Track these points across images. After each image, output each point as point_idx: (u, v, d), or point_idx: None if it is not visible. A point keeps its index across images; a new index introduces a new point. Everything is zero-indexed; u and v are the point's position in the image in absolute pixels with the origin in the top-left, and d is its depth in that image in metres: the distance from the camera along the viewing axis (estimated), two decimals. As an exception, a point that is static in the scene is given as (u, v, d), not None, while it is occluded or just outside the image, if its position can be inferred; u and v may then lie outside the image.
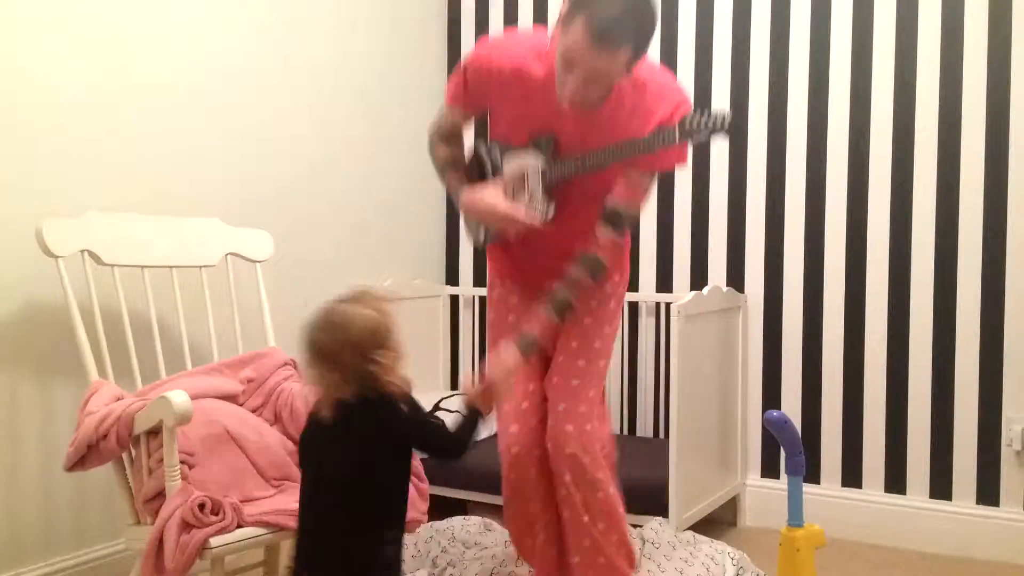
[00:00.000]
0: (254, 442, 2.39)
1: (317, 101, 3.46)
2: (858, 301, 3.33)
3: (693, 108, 2.15)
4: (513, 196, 2.26)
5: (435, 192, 4.03)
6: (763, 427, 3.35)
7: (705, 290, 3.26)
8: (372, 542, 1.86)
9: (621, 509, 2.39)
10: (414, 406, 1.94)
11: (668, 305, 3.29)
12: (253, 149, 3.21)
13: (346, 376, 1.83)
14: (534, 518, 2.45)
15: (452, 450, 2.00)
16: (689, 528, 3.01)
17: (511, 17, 3.90)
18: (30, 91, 2.57)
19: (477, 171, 2.41)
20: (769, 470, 3.49)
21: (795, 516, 2.50)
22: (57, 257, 2.35)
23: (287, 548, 2.77)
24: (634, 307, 3.68)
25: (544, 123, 2.21)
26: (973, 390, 3.17)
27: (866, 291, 3.32)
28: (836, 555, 3.05)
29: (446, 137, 2.40)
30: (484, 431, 3.53)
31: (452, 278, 4.07)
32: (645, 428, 3.67)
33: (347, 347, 1.83)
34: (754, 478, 3.52)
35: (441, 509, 3.12)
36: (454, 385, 4.01)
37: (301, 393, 2.56)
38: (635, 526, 2.75)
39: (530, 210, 2.23)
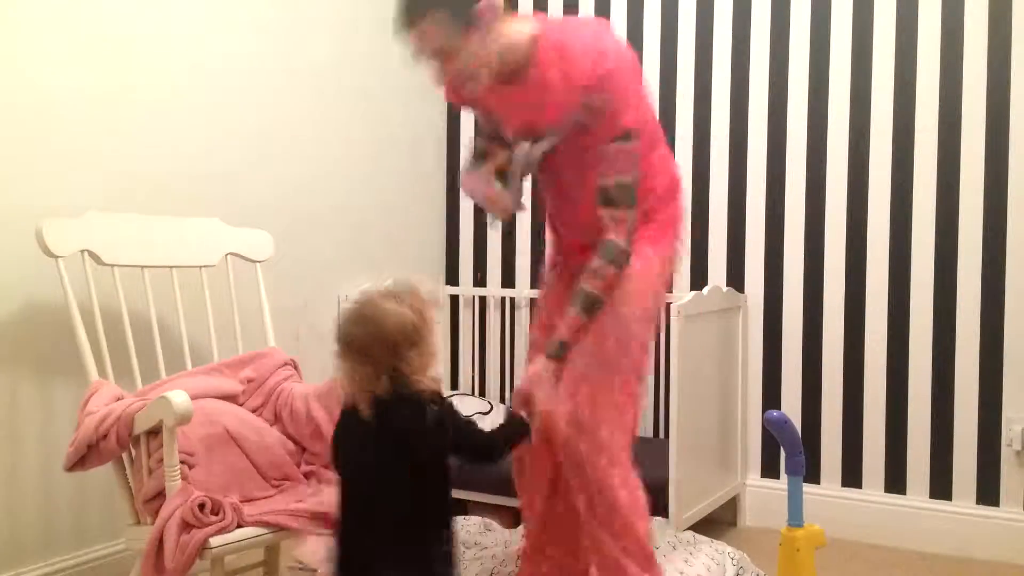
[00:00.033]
0: (254, 442, 2.39)
1: (317, 101, 3.46)
2: (858, 301, 3.33)
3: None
4: (503, 181, 2.29)
5: (435, 192, 4.03)
6: (763, 427, 3.35)
7: (705, 290, 3.26)
8: (418, 541, 1.83)
9: (632, 507, 2.29)
10: (449, 408, 1.89)
11: (668, 305, 3.28)
12: (253, 149, 3.22)
13: (378, 372, 1.81)
14: (539, 487, 2.42)
15: (487, 454, 1.97)
16: (689, 528, 3.01)
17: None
18: (30, 91, 2.57)
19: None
20: (769, 470, 3.49)
21: (795, 516, 2.50)
22: (57, 257, 2.35)
23: (287, 548, 2.77)
24: (634, 307, 3.68)
25: (493, 112, 2.28)
26: (973, 390, 3.17)
27: (866, 291, 3.32)
28: (836, 555, 3.04)
29: (480, 132, 2.48)
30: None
31: (452, 278, 4.07)
32: (645, 428, 3.66)
33: (378, 342, 1.81)
34: (754, 478, 3.52)
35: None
36: (454, 385, 4.02)
37: (301, 393, 2.56)
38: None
39: (507, 195, 2.27)
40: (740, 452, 3.49)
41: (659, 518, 2.95)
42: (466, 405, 3.59)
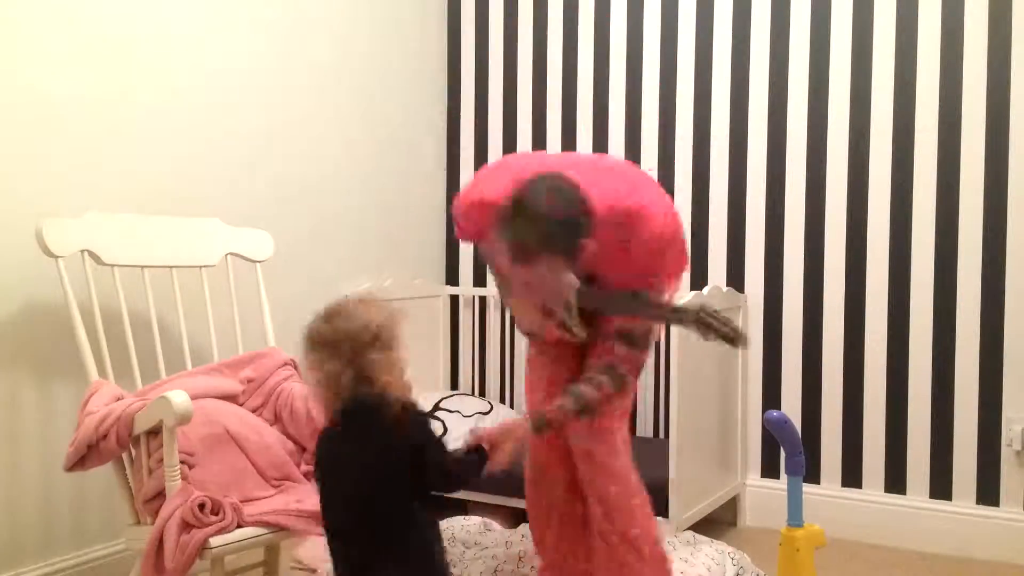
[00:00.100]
0: (254, 442, 2.39)
1: (317, 101, 3.47)
2: (858, 301, 3.33)
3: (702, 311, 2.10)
4: (548, 310, 2.26)
5: (435, 192, 4.03)
6: (763, 427, 3.35)
7: (705, 290, 3.26)
8: (403, 540, 1.83)
9: (639, 509, 2.29)
10: (418, 414, 1.89)
11: (668, 305, 3.28)
12: (253, 149, 3.22)
13: (343, 369, 1.81)
14: (553, 506, 2.42)
15: (450, 484, 1.94)
16: (689, 528, 3.01)
17: (511, 18, 3.90)
18: (30, 92, 2.57)
19: None
20: (769, 470, 3.49)
21: (795, 516, 2.50)
22: (57, 257, 2.35)
23: (287, 548, 2.77)
24: (634, 307, 3.68)
25: None
26: (973, 390, 3.17)
27: (866, 291, 3.32)
28: (836, 555, 3.04)
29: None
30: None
31: (452, 278, 4.07)
32: (645, 428, 3.67)
33: (346, 338, 1.82)
34: (754, 478, 3.52)
35: (441, 509, 3.12)
36: (454, 385, 4.02)
37: (301, 393, 2.56)
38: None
39: (565, 327, 2.23)
40: (740, 452, 3.49)
41: (659, 518, 2.95)
42: (466, 405, 3.60)
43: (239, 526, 2.13)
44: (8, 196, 2.52)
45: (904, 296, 3.26)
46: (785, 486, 2.56)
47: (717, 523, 3.39)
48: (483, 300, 3.97)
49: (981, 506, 3.17)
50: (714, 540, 2.88)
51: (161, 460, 2.14)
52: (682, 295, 2.30)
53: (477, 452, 2.00)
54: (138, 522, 2.26)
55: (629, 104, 3.68)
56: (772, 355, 3.47)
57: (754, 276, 3.49)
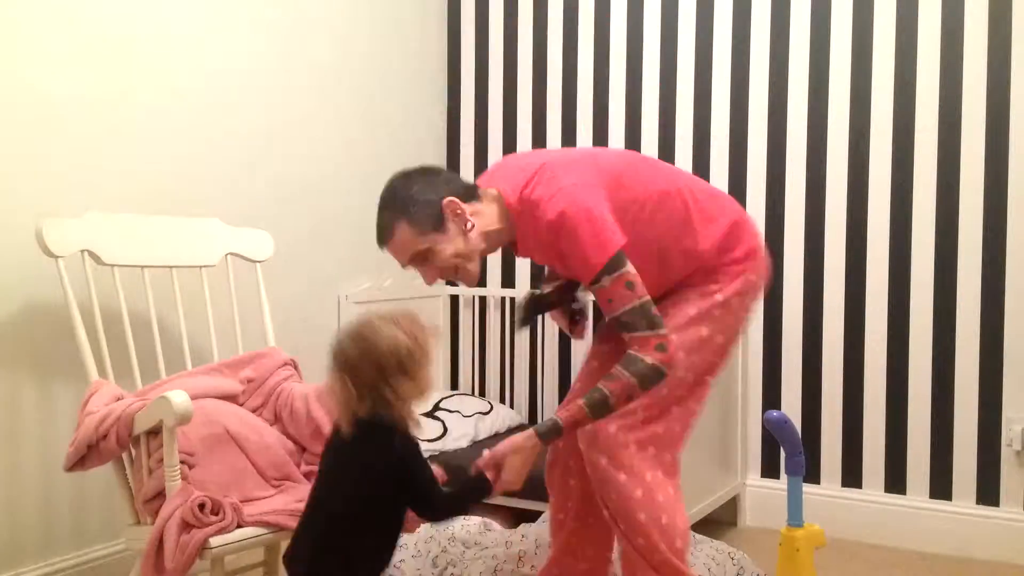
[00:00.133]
0: (254, 442, 2.39)
1: (317, 101, 3.47)
2: (858, 301, 3.33)
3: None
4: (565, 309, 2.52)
5: (435, 192, 4.03)
6: (763, 427, 3.35)
7: (705, 290, 3.26)
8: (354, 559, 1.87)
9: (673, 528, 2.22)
10: (413, 447, 1.88)
11: (668, 305, 3.28)
12: (253, 149, 3.22)
13: (361, 393, 1.82)
14: (568, 495, 2.42)
15: (439, 508, 1.94)
16: (689, 528, 3.01)
17: (511, 18, 3.90)
18: (31, 92, 2.57)
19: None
20: (769, 470, 3.49)
21: (795, 516, 2.50)
22: (57, 257, 2.35)
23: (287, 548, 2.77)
24: (634, 307, 3.68)
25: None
26: (973, 390, 3.17)
27: (866, 291, 3.32)
28: (836, 555, 3.05)
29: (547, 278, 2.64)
30: (485, 430, 3.54)
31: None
32: (645, 428, 3.66)
33: (367, 362, 1.82)
34: (754, 478, 3.52)
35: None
36: (454, 385, 4.02)
37: (301, 393, 2.56)
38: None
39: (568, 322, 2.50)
40: (740, 452, 3.49)
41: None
42: (466, 405, 3.60)
43: (239, 526, 2.13)
44: (8, 196, 2.52)
45: (904, 296, 3.26)
46: (785, 486, 2.57)
47: (717, 523, 3.39)
48: (483, 300, 3.97)
49: (981, 506, 3.17)
50: (714, 540, 2.88)
51: (161, 460, 2.14)
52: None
53: (477, 484, 2.02)
54: (138, 522, 2.26)
55: (629, 104, 3.68)
56: (772, 355, 3.47)
57: (754, 276, 3.49)
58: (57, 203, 2.58)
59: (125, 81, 2.80)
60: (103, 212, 2.53)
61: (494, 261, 3.97)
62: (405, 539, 1.99)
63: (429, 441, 3.34)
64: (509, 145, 3.93)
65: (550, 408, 3.79)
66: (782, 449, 2.56)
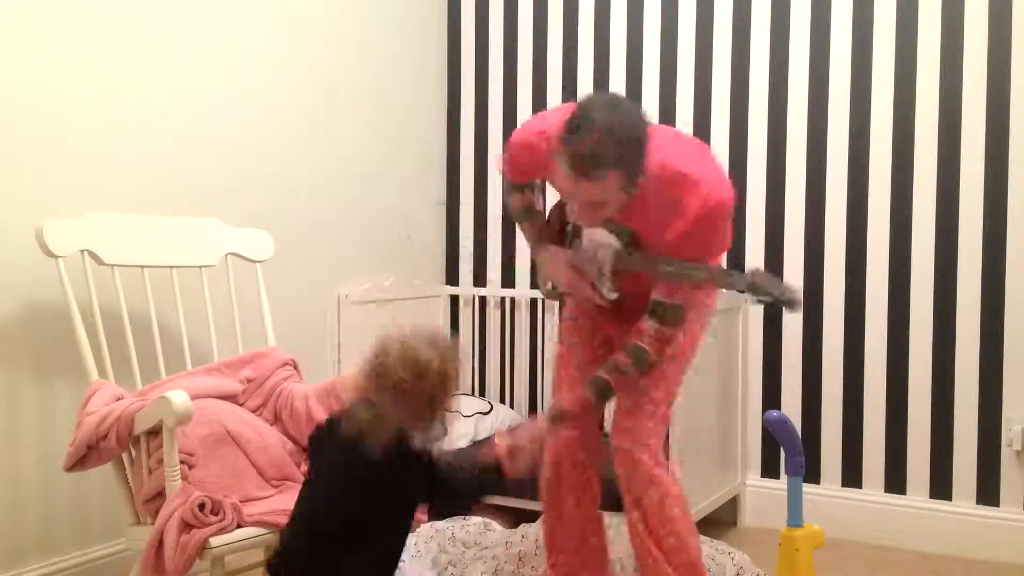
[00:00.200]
0: (254, 442, 2.39)
1: (317, 101, 3.46)
2: (858, 301, 3.33)
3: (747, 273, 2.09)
4: (585, 269, 2.28)
5: (435, 192, 4.03)
6: (763, 427, 3.35)
7: (705, 290, 3.26)
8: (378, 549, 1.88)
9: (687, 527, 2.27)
10: (431, 461, 1.95)
11: (668, 305, 3.28)
12: (253, 149, 3.21)
13: (412, 416, 1.85)
14: (567, 517, 2.43)
15: (456, 495, 2.02)
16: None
17: (511, 18, 3.90)
18: (30, 91, 2.57)
19: (558, 227, 2.41)
20: (769, 470, 3.49)
21: (795, 516, 2.50)
22: (57, 257, 2.35)
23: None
24: (634, 307, 3.68)
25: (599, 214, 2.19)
26: (973, 390, 3.17)
27: (866, 291, 3.32)
28: (836, 555, 3.04)
29: (518, 187, 2.42)
30: (485, 431, 3.54)
31: (452, 278, 4.07)
32: (645, 428, 3.66)
33: (417, 389, 1.85)
34: (754, 478, 3.52)
35: (441, 509, 3.12)
36: (454, 385, 4.01)
37: (301, 393, 2.56)
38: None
39: (595, 288, 2.27)
40: (740, 452, 3.49)
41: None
42: (466, 405, 3.59)
43: (239, 526, 2.13)
44: (8, 196, 2.52)
45: (904, 296, 3.26)
46: (785, 486, 2.57)
47: (717, 523, 3.39)
48: (483, 300, 3.97)
49: (981, 506, 3.17)
50: (714, 540, 2.88)
51: (161, 460, 2.14)
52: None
53: (492, 471, 2.03)
54: (138, 522, 2.26)
55: (629, 104, 3.68)
56: (772, 355, 3.47)
57: (754, 276, 3.48)
58: (57, 203, 2.58)
59: (125, 81, 2.80)
60: (103, 212, 2.54)
61: (494, 261, 3.97)
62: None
63: (429, 441, 3.33)
64: (509, 145, 3.92)
65: (550, 408, 3.79)
66: (782, 449, 2.56)
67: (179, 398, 2.06)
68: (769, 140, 3.45)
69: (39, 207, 2.53)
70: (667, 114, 3.60)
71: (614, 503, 2.37)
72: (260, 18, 3.22)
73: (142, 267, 2.56)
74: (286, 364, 2.66)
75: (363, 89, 3.66)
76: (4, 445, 2.54)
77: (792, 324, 3.43)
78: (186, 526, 2.06)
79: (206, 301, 2.67)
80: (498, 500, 3.19)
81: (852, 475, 3.36)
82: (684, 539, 2.22)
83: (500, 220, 3.94)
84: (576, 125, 1.93)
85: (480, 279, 4.00)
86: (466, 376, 1.95)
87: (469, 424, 3.48)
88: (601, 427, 2.49)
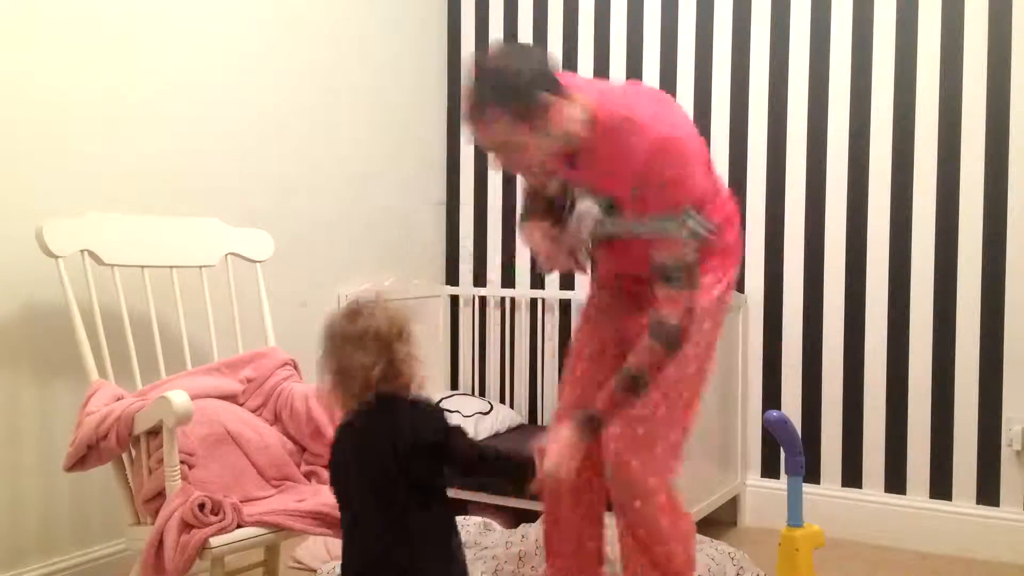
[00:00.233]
0: (254, 442, 2.39)
1: (318, 101, 3.47)
2: (858, 301, 3.33)
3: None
4: (566, 240, 2.25)
5: (435, 192, 4.03)
6: (763, 427, 3.35)
7: (705, 290, 3.26)
8: (421, 527, 1.81)
9: (682, 533, 2.21)
10: (438, 410, 1.91)
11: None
12: (253, 149, 3.22)
13: (374, 361, 1.81)
14: (565, 520, 2.40)
15: (474, 470, 1.92)
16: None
17: (511, 18, 3.90)
18: (30, 91, 2.57)
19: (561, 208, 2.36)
20: (769, 470, 3.49)
21: (794, 516, 2.50)
22: (57, 257, 2.35)
23: (287, 548, 2.77)
24: (634, 307, 3.68)
25: (571, 177, 2.20)
26: (973, 390, 3.17)
27: (866, 291, 3.32)
28: (836, 555, 3.04)
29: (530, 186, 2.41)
30: (485, 431, 3.54)
31: (452, 278, 4.07)
32: (645, 428, 3.66)
33: (374, 334, 1.82)
34: (754, 478, 3.52)
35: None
36: (454, 385, 4.02)
37: (301, 393, 2.56)
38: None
39: (575, 257, 2.24)
40: (740, 452, 3.49)
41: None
42: (466, 405, 3.60)
43: (239, 526, 2.13)
44: (8, 196, 2.52)
45: (904, 296, 3.26)
46: (785, 486, 2.57)
47: (717, 523, 3.39)
48: (483, 300, 3.97)
49: (981, 506, 3.17)
50: (714, 540, 2.88)
51: (161, 460, 2.14)
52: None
53: (523, 459, 1.98)
54: (138, 522, 2.26)
55: (629, 104, 3.68)
56: (772, 355, 3.47)
57: (754, 276, 3.49)
58: (57, 203, 2.58)
59: (125, 81, 2.80)
60: (103, 212, 2.54)
61: (494, 261, 3.97)
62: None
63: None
64: (509, 145, 3.92)
65: (550, 408, 3.79)
66: (782, 449, 2.56)
67: (179, 398, 2.06)
68: (769, 140, 3.46)
69: (39, 207, 2.53)
70: (667, 114, 3.60)
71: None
72: (260, 18, 3.22)
73: (142, 267, 2.56)
74: (286, 364, 2.66)
75: (363, 89, 3.66)
76: (4, 445, 2.54)
77: (792, 324, 3.44)
78: (186, 526, 2.06)
79: (206, 301, 2.67)
80: (498, 500, 3.20)
81: (852, 475, 3.36)
82: (672, 550, 2.16)
83: (500, 220, 3.94)
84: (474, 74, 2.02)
85: (480, 279, 4.00)
86: (410, 327, 1.92)
87: (469, 424, 3.48)
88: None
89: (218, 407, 2.43)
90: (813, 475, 3.37)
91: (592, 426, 2.09)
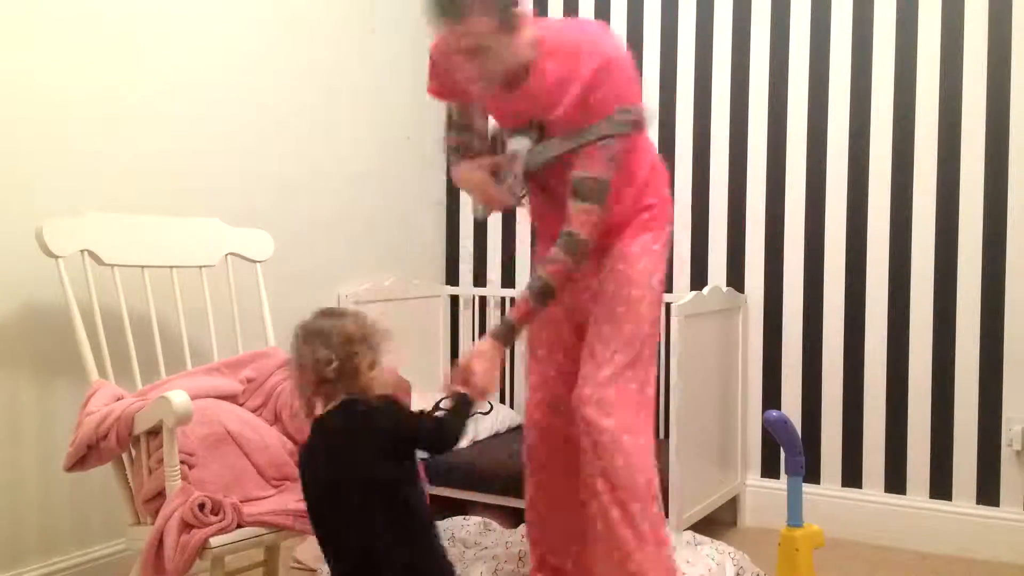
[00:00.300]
0: (254, 442, 2.39)
1: (317, 101, 3.47)
2: (858, 301, 3.33)
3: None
4: (501, 177, 2.29)
5: (435, 192, 4.03)
6: (763, 427, 3.35)
7: (705, 290, 3.26)
8: (404, 524, 1.85)
9: (648, 489, 2.26)
10: (397, 406, 1.95)
11: (668, 305, 3.28)
12: (253, 149, 3.22)
13: (332, 356, 1.86)
14: (552, 498, 2.44)
15: (442, 439, 1.98)
16: (689, 528, 3.01)
17: (511, 17, 3.89)
18: (30, 91, 2.57)
19: (491, 152, 2.42)
20: (769, 470, 3.49)
21: (794, 516, 2.50)
22: (57, 257, 2.35)
23: (287, 548, 2.77)
24: (634, 307, 3.68)
25: (512, 108, 2.24)
26: (973, 390, 3.17)
27: (866, 291, 3.32)
28: (836, 555, 3.05)
29: (455, 126, 2.42)
30: (485, 431, 3.54)
31: (452, 278, 4.07)
32: (645, 428, 3.66)
33: (338, 331, 1.89)
34: (754, 478, 3.52)
35: (441, 509, 3.13)
36: (454, 385, 4.01)
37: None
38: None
39: (506, 191, 2.29)
40: (740, 452, 3.49)
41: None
42: (466, 405, 3.59)
43: (239, 526, 2.13)
44: (8, 196, 2.52)
45: (904, 296, 3.26)
46: (785, 486, 2.57)
47: (717, 523, 3.39)
48: (483, 300, 3.97)
49: (981, 506, 3.17)
50: (714, 540, 2.88)
51: (161, 460, 2.14)
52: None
53: (458, 400, 2.05)
54: (138, 522, 2.26)
55: (629, 104, 3.68)
56: (772, 355, 3.47)
57: (754, 276, 3.49)
58: (57, 203, 2.58)
59: (125, 80, 2.80)
60: (103, 212, 2.54)
61: (494, 261, 3.97)
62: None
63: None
64: (509, 145, 3.92)
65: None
66: (782, 449, 2.56)
67: (179, 398, 2.06)
68: (769, 140, 3.46)
69: (39, 207, 2.53)
70: (667, 114, 3.60)
71: None
72: (260, 18, 3.22)
73: (142, 267, 2.56)
74: (286, 364, 2.66)
75: (363, 89, 3.66)
76: (4, 445, 2.54)
77: (792, 324, 3.44)
78: (186, 526, 2.06)
79: (206, 301, 2.67)
80: (498, 500, 3.20)
81: (852, 475, 3.36)
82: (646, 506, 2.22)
83: (500, 220, 3.94)
84: None
85: (480, 279, 4.00)
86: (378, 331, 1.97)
87: (469, 424, 3.47)
88: None
89: (218, 407, 2.43)
90: (813, 475, 3.38)
91: (509, 335, 2.19)
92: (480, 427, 3.52)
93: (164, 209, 2.81)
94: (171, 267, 2.63)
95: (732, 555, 2.77)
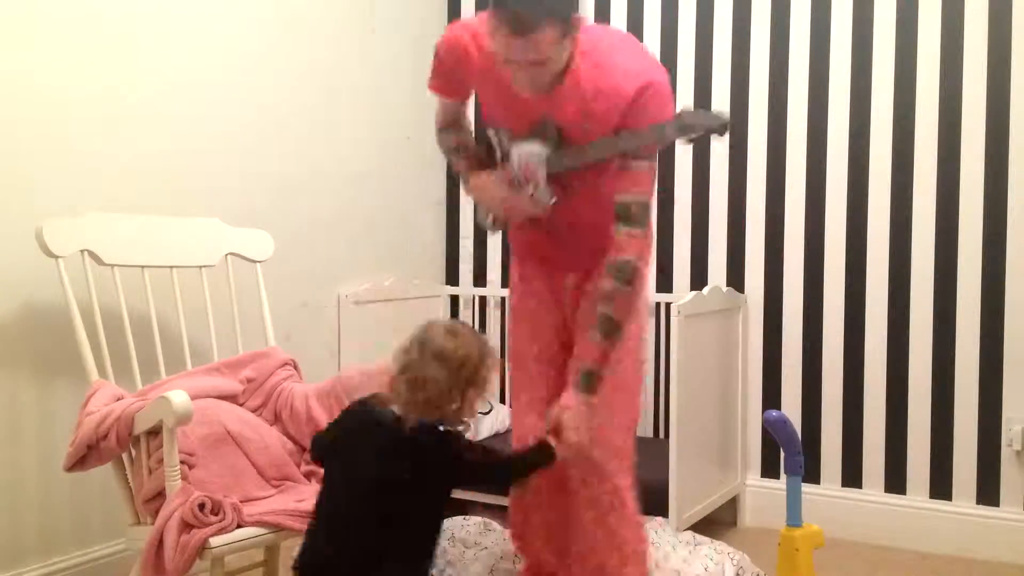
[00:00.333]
0: (254, 442, 2.39)
1: (317, 101, 3.46)
2: (858, 301, 3.33)
3: (687, 106, 2.14)
4: (518, 184, 2.23)
5: (435, 192, 4.03)
6: (763, 427, 3.35)
7: (705, 290, 3.26)
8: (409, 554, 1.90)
9: (633, 515, 2.31)
10: (466, 444, 1.99)
11: (668, 305, 3.28)
12: (254, 149, 3.22)
13: (448, 389, 1.89)
14: (538, 508, 2.44)
15: (502, 482, 2.12)
16: (689, 528, 3.01)
17: (511, 17, 3.89)
18: (30, 91, 2.57)
19: (487, 155, 2.36)
20: (769, 470, 3.49)
21: (794, 516, 2.50)
22: (57, 257, 2.35)
23: (287, 548, 2.77)
24: (634, 307, 3.68)
25: (529, 110, 2.16)
26: (973, 390, 3.17)
27: (866, 291, 3.32)
28: (836, 555, 3.04)
29: (448, 123, 2.38)
30: (486, 430, 3.54)
31: (452, 278, 4.07)
32: (645, 428, 3.66)
33: (459, 361, 1.90)
34: (754, 478, 3.52)
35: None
36: (454, 385, 4.01)
37: (301, 393, 2.56)
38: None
39: (533, 199, 2.22)
40: (740, 452, 3.49)
41: (659, 518, 2.95)
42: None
43: (239, 526, 2.13)
44: (8, 196, 2.52)
45: (904, 296, 3.26)
46: (785, 486, 2.57)
47: (717, 523, 3.39)
48: (483, 300, 3.97)
49: (981, 506, 3.17)
50: (714, 540, 2.88)
51: (161, 460, 2.14)
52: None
53: (541, 445, 2.08)
54: (138, 522, 2.26)
55: (629, 104, 3.68)
56: (772, 355, 3.47)
57: (754, 276, 3.49)
58: (57, 203, 2.58)
59: (125, 81, 2.80)
60: (103, 212, 2.54)
61: (494, 261, 3.97)
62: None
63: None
64: (509, 145, 3.92)
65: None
66: (782, 449, 2.56)
67: (179, 398, 2.06)
68: (769, 140, 3.46)
69: (39, 207, 2.53)
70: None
71: None
72: (260, 18, 3.22)
73: (142, 267, 2.56)
74: (286, 364, 2.66)
75: (363, 89, 3.66)
76: (4, 445, 2.54)
77: (792, 324, 3.44)
78: (186, 526, 2.06)
79: (206, 301, 2.67)
80: (498, 500, 3.19)
81: (852, 475, 3.36)
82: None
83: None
84: None
85: (480, 279, 4.00)
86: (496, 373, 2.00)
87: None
88: None
89: (218, 407, 2.43)
90: (813, 475, 3.38)
91: (592, 382, 2.15)
92: (480, 427, 3.52)
93: (164, 209, 2.80)
94: (171, 267, 2.63)
95: (732, 555, 2.77)
